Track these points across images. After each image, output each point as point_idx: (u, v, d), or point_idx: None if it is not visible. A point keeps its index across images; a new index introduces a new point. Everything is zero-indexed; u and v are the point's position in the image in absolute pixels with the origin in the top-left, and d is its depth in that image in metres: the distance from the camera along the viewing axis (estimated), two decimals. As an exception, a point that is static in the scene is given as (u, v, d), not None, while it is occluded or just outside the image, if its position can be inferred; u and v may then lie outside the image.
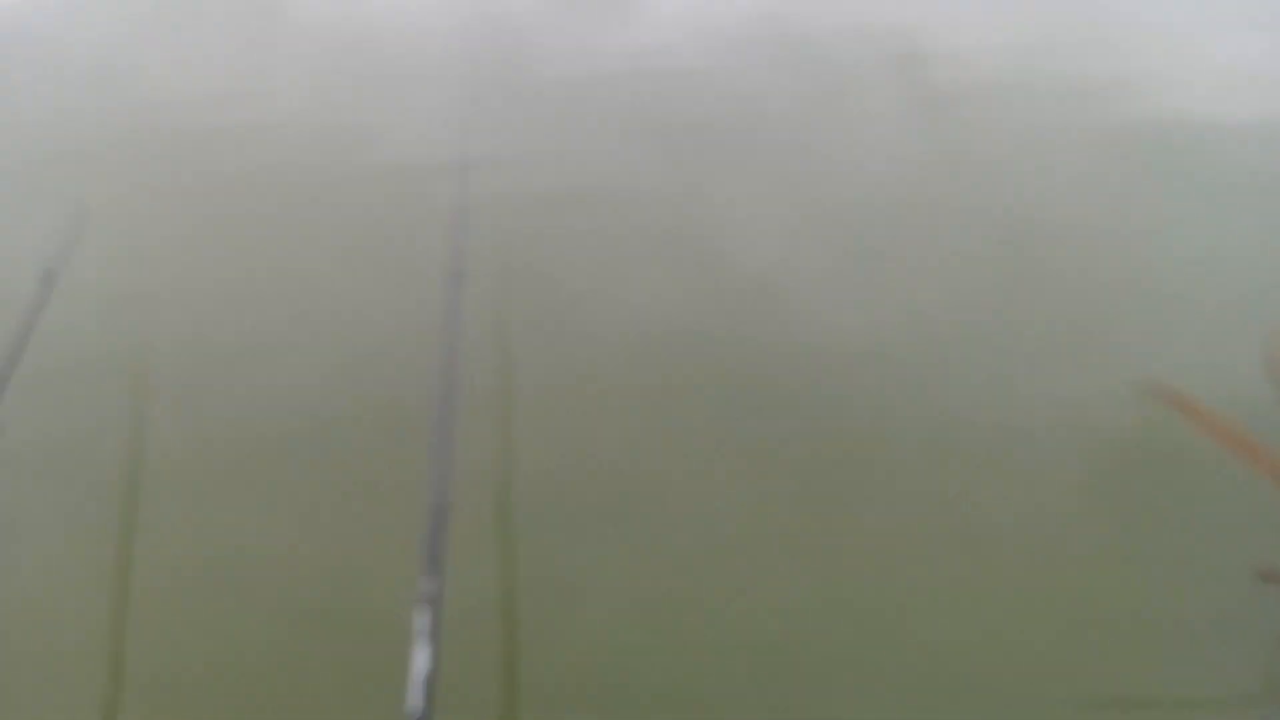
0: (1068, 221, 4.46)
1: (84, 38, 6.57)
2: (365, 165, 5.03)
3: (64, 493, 3.33)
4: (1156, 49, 5.89)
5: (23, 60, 6.23)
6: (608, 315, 4.02)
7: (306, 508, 3.24)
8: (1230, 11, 6.32)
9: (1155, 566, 2.94)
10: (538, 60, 6.08)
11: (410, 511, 2.38)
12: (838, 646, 2.79)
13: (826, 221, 4.56)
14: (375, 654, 2.63)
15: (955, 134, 5.20)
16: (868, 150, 5.10)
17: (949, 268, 4.21)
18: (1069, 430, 3.40)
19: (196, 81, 5.88)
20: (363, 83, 5.84)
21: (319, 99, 5.65)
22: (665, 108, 5.57)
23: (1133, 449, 3.31)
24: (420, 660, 1.99)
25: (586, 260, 4.33)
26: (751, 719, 2.63)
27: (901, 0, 6.70)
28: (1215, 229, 4.32)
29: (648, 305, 4.06)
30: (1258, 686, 2.64)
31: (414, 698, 1.94)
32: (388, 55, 6.15)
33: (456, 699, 2.54)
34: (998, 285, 4.09)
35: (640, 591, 2.95)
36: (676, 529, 3.13)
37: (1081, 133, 5.13)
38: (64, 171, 5.03)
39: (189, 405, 3.64)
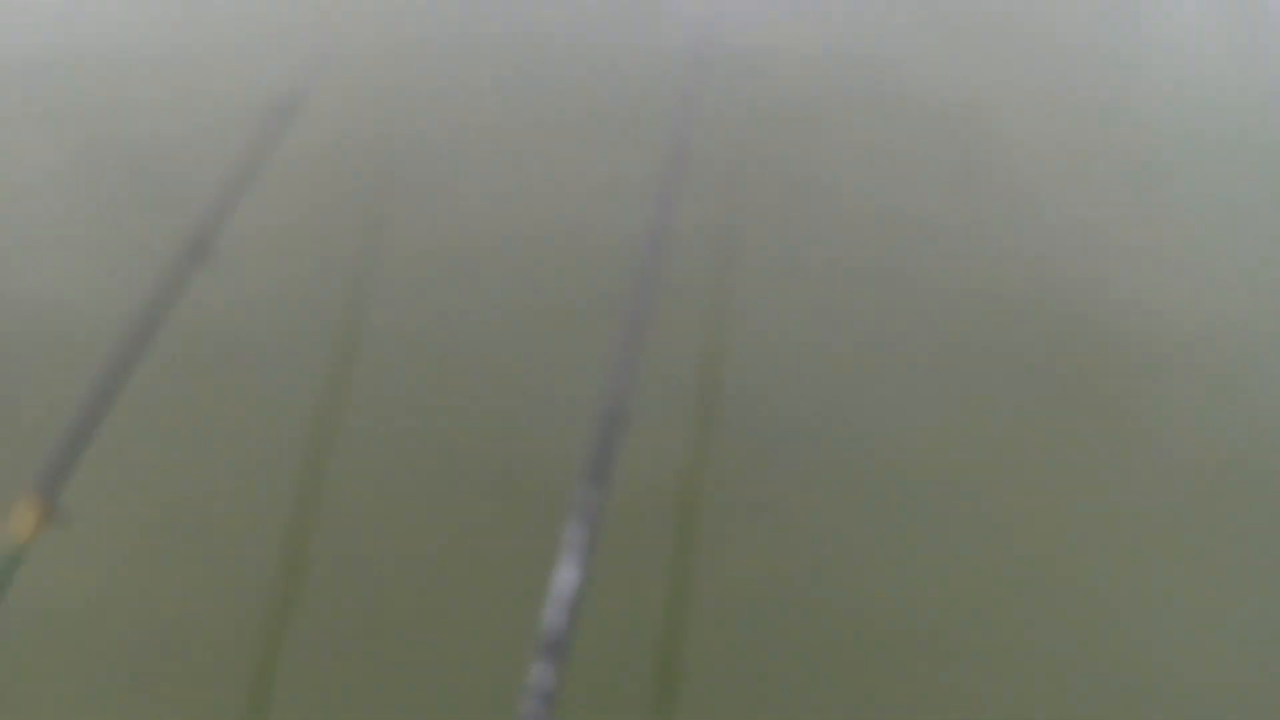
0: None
1: None
2: (607, 42, 4.84)
3: (283, 331, 3.33)
4: None
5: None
6: (846, 223, 3.75)
7: (496, 392, 3.15)
8: None
9: None
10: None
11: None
12: (1026, 624, 2.56)
13: (1113, 136, 4.11)
14: (529, 563, 2.55)
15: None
16: (1170, 56, 4.55)
17: (1251, 208, 3.72)
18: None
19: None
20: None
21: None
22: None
23: None
24: (566, 576, 1.87)
25: (828, 163, 4.05)
26: (926, 664, 2.45)
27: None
28: None
29: (896, 216, 3.77)
30: None
31: (553, 615, 1.82)
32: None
33: (609, 624, 2.45)
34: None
35: (830, 523, 2.76)
36: (879, 464, 2.93)
37: None
38: (308, 7, 5.01)
39: (410, 257, 3.60)
